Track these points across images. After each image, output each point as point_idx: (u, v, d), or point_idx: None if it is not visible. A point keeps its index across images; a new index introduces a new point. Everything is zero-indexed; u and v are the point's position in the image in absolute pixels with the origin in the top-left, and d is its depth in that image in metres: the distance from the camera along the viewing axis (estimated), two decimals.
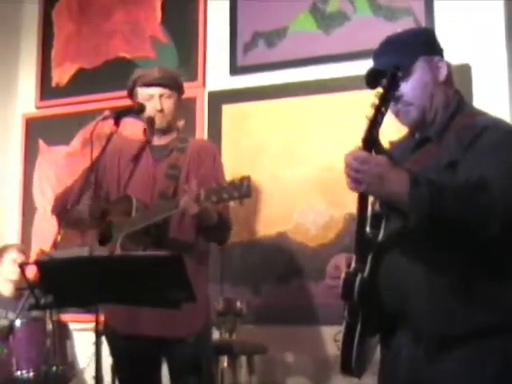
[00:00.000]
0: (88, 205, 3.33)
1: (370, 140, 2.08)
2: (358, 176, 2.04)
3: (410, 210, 2.03)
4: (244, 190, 2.82)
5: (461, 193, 2.04)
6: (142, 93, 3.49)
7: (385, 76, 2.23)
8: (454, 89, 2.38)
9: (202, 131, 4.90)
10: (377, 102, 2.08)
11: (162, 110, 3.46)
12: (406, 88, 2.26)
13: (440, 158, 2.20)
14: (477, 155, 2.13)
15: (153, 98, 3.46)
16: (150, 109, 3.46)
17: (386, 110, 2.12)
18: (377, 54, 2.37)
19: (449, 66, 2.35)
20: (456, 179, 2.11)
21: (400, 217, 2.10)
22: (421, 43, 2.37)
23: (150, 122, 3.48)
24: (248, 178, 2.84)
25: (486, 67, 4.27)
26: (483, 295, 2.11)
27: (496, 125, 2.24)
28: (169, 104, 3.49)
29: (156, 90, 3.47)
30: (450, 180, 2.11)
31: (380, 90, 2.22)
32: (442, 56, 2.38)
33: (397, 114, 2.31)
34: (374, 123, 2.08)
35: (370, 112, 2.08)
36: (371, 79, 2.30)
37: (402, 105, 2.26)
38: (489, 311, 2.10)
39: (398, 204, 2.06)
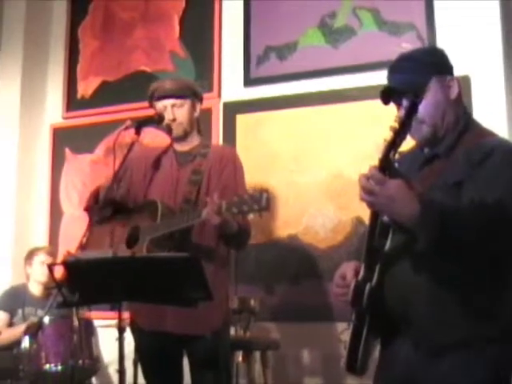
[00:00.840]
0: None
1: (386, 162, 2.07)
2: (370, 198, 2.04)
3: (420, 238, 2.03)
4: (263, 203, 2.80)
5: (469, 220, 2.03)
6: (158, 105, 3.50)
7: (398, 93, 2.23)
8: (463, 107, 2.36)
9: (218, 139, 4.91)
10: (397, 126, 2.07)
11: (174, 120, 3.44)
12: (420, 106, 2.21)
13: (447, 176, 2.18)
14: (483, 177, 2.11)
15: (166, 109, 3.45)
16: (166, 119, 3.46)
17: (405, 135, 2.11)
18: (391, 72, 2.35)
19: (459, 83, 2.33)
20: (463, 201, 2.10)
21: (408, 236, 2.10)
22: (434, 63, 2.34)
23: (168, 130, 3.48)
24: (267, 191, 2.83)
25: (484, 78, 4.27)
26: (481, 306, 2.10)
27: (503, 147, 2.21)
28: (182, 112, 3.47)
29: (168, 102, 3.45)
30: (457, 202, 2.10)
31: (396, 110, 2.22)
32: (452, 73, 2.35)
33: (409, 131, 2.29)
34: (392, 146, 2.07)
35: (389, 135, 2.07)
36: (386, 96, 2.30)
37: (414, 122, 2.19)
38: (486, 322, 2.09)
39: (407, 227, 2.06)
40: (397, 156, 2.13)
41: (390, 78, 2.35)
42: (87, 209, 3.53)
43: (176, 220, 3.19)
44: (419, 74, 2.28)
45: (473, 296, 2.10)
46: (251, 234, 3.48)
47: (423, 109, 2.22)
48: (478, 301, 2.10)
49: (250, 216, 3.05)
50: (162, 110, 3.47)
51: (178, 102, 3.46)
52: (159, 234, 3.18)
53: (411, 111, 2.10)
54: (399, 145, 2.09)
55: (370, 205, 2.07)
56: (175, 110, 3.45)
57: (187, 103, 3.49)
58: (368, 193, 2.04)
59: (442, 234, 1.99)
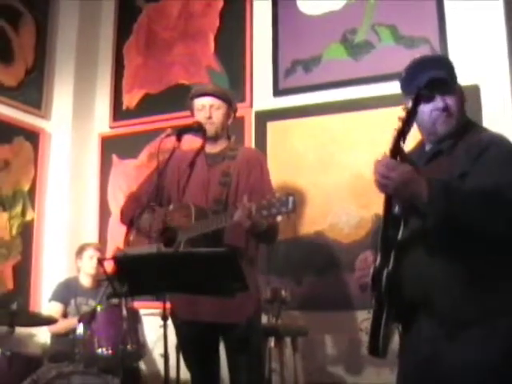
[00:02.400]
0: (149, 219, 3.35)
1: (397, 149, 2.12)
2: (385, 181, 2.08)
3: (428, 210, 2.08)
4: (290, 206, 2.75)
5: (473, 195, 2.08)
6: (196, 103, 3.47)
7: (443, 83, 2.26)
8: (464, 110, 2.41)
9: (250, 145, 4.92)
10: (404, 116, 2.12)
11: (210, 117, 3.41)
12: (452, 101, 2.28)
13: (451, 170, 2.22)
14: (485, 167, 2.15)
15: (204, 108, 3.44)
16: (202, 118, 3.43)
17: (412, 124, 2.16)
18: (426, 67, 2.33)
19: None
20: (467, 186, 2.13)
21: (419, 217, 2.13)
22: (453, 69, 2.38)
23: (203, 130, 3.43)
24: (293, 195, 2.77)
25: (492, 87, 4.27)
26: (495, 283, 2.13)
27: (500, 140, 2.27)
28: (218, 114, 3.43)
29: (207, 100, 3.44)
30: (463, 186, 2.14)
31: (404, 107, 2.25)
32: None
33: (435, 121, 2.30)
34: (401, 134, 2.12)
35: (398, 124, 2.12)
36: (429, 87, 2.27)
37: (446, 113, 2.27)
38: (500, 297, 2.12)
39: (418, 206, 2.10)
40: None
41: (424, 72, 2.30)
42: (125, 220, 3.54)
43: (209, 222, 3.15)
44: (452, 72, 2.34)
45: (486, 273, 2.13)
46: (279, 231, 3.44)
47: (454, 104, 2.29)
48: (493, 277, 2.13)
49: (278, 218, 3.05)
50: (199, 108, 3.45)
51: (216, 103, 3.44)
52: (195, 235, 3.16)
53: (417, 102, 2.14)
54: (407, 132, 2.14)
55: (384, 188, 2.11)
56: (212, 111, 3.42)
57: (224, 107, 3.46)
58: (383, 177, 2.08)
59: (448, 209, 2.04)
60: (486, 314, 2.11)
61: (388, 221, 2.21)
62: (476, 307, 2.11)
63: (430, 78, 2.27)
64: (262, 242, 3.48)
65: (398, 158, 2.12)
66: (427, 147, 2.40)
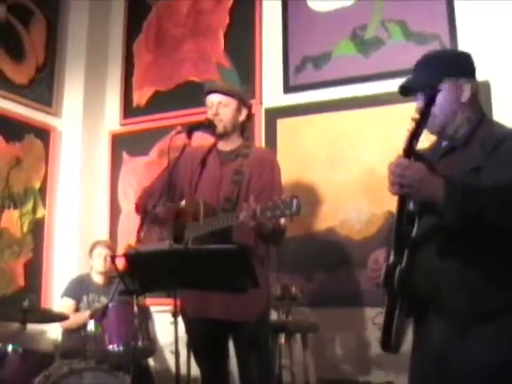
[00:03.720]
0: (164, 207, 3.36)
1: (410, 149, 2.12)
2: (400, 180, 2.08)
3: (445, 210, 2.07)
4: (294, 209, 2.75)
5: (490, 194, 2.07)
6: (207, 101, 3.48)
7: (411, 90, 2.30)
8: (478, 107, 2.38)
9: (260, 142, 4.94)
10: (417, 116, 2.12)
11: (217, 114, 3.40)
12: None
13: (464, 164, 2.22)
14: (500, 161, 2.14)
15: (213, 105, 3.44)
16: (210, 114, 3.43)
17: (426, 123, 2.15)
18: (413, 70, 2.38)
19: (474, 87, 2.34)
20: (481, 182, 2.13)
21: (434, 214, 2.13)
22: (448, 65, 2.36)
23: (213, 127, 3.44)
24: (297, 198, 2.77)
25: (503, 83, 4.26)
26: (506, 281, 2.12)
27: None
28: (225, 111, 3.43)
29: (215, 97, 3.44)
30: (477, 183, 2.13)
31: (418, 105, 2.25)
32: (472, 77, 2.37)
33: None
34: (415, 135, 2.12)
35: (411, 125, 2.12)
36: (403, 91, 2.37)
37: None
38: (510, 296, 2.12)
39: (434, 205, 2.10)
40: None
41: (413, 73, 2.37)
42: (141, 211, 3.55)
43: (217, 220, 3.17)
44: (431, 73, 2.31)
45: (499, 269, 2.12)
46: (290, 226, 3.42)
47: (436, 105, 2.23)
48: (505, 274, 2.12)
49: (282, 220, 3.06)
50: (209, 105, 3.44)
51: (224, 99, 3.43)
52: (201, 234, 3.16)
53: (429, 102, 2.14)
54: (420, 133, 2.13)
55: (400, 188, 2.11)
56: (220, 107, 3.42)
57: (233, 104, 3.45)
58: (397, 176, 2.08)
59: (466, 208, 2.03)
60: (497, 313, 2.11)
61: (401, 218, 2.21)
62: (487, 306, 2.11)
63: (402, 84, 2.34)
64: (269, 244, 3.48)
65: (412, 159, 2.12)
66: (443, 143, 2.41)
